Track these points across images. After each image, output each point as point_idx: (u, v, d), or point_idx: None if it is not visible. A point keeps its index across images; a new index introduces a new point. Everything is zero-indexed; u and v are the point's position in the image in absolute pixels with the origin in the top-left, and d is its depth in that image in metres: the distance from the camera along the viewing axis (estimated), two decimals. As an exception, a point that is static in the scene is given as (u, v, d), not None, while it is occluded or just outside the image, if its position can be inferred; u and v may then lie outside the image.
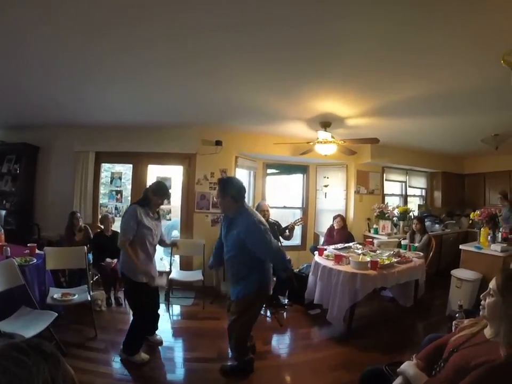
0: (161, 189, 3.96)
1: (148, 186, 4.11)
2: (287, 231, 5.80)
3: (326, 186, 8.11)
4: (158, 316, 4.39)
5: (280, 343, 4.65)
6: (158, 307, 4.39)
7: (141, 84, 4.41)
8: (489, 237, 5.55)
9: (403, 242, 6.45)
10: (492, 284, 1.86)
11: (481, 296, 1.95)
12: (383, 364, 2.53)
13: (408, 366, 2.08)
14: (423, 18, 2.58)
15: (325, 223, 7.65)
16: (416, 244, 6.26)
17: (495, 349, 1.73)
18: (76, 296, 4.43)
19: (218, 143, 6.64)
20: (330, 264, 4.95)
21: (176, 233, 7.63)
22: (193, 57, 3.51)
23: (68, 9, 2.68)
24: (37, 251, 4.93)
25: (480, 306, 1.94)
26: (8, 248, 4.64)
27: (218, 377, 3.74)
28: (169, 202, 4.02)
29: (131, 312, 4.15)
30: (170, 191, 6.56)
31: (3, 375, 0.75)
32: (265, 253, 3.42)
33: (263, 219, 3.60)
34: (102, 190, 7.40)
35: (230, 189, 3.47)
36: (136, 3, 2.58)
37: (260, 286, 3.54)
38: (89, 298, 4.47)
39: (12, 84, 4.60)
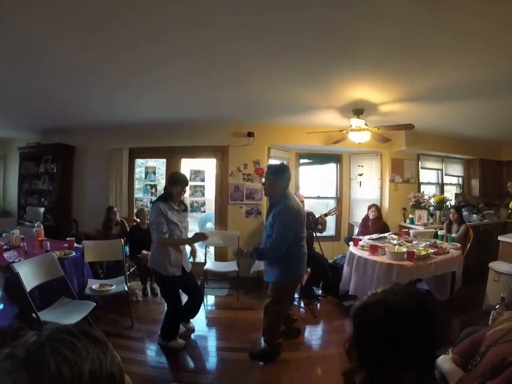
0: (176, 177, 4.05)
1: (166, 183, 4.19)
2: (319, 225, 5.75)
3: (360, 175, 7.94)
4: (197, 304, 4.42)
5: (313, 335, 4.62)
6: (197, 295, 4.42)
7: (174, 90, 4.61)
8: (530, 227, 5.31)
9: (440, 232, 6.20)
10: None
11: None
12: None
13: (444, 361, 2.04)
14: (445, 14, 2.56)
15: (359, 213, 7.53)
16: (453, 235, 6.06)
17: None
18: (113, 287, 4.56)
19: (250, 134, 6.63)
20: (365, 254, 4.88)
21: (210, 225, 7.70)
22: (224, 64, 3.66)
23: (99, 21, 2.80)
24: (75, 245, 5.09)
25: None
26: (48, 243, 4.81)
27: (250, 366, 3.80)
28: (185, 189, 4.03)
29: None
30: (202, 182, 6.66)
31: (53, 356, 0.75)
32: (275, 239, 3.54)
33: (301, 206, 3.72)
34: (137, 185, 7.54)
35: (277, 174, 3.68)
36: (169, 14, 2.66)
37: (292, 275, 3.71)
38: (126, 289, 4.59)
39: (49, 94, 4.87)
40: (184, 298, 4.28)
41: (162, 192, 4.09)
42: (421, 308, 1.29)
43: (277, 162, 7.25)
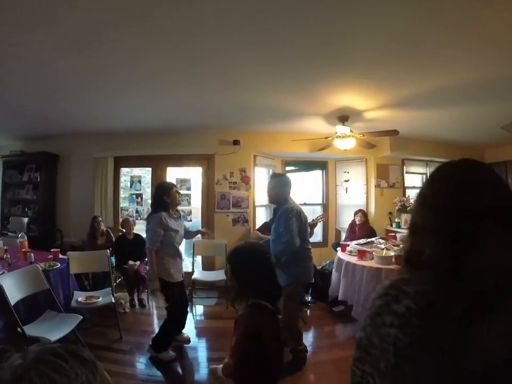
0: (167, 184, 4.23)
1: (155, 195, 4.16)
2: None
3: (346, 181, 8.00)
4: (186, 313, 4.42)
5: (305, 342, 4.55)
6: (187, 304, 4.46)
7: (152, 88, 4.46)
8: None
9: (426, 235, 6.24)
10: None
11: None
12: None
13: None
14: (437, 11, 2.56)
15: (346, 218, 7.56)
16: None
17: None
18: (100, 299, 4.48)
19: (236, 142, 6.63)
20: (353, 260, 4.90)
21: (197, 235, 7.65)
22: (213, 73, 3.70)
23: (72, 18, 2.71)
24: (60, 256, 5.00)
25: None
26: (32, 254, 4.70)
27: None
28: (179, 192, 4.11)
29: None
30: (188, 191, 6.68)
31: (40, 380, 0.70)
32: (284, 236, 3.61)
33: (302, 209, 3.90)
34: (122, 194, 7.46)
35: (280, 182, 3.93)
36: (145, 7, 2.60)
37: (298, 276, 3.77)
38: (113, 301, 4.52)
39: (32, 100, 4.81)
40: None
41: (154, 203, 4.13)
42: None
43: (263, 169, 7.31)
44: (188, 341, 4.43)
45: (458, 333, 0.83)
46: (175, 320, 4.06)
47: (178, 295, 4.06)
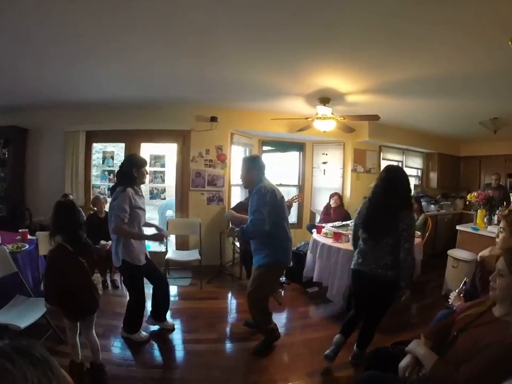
0: (140, 159, 3.95)
1: (123, 168, 3.86)
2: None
3: (324, 163, 8.03)
4: (165, 291, 4.23)
5: (279, 323, 4.53)
6: (162, 281, 4.24)
7: (133, 62, 4.31)
8: (485, 218, 5.58)
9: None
10: (501, 265, 1.81)
11: (490, 277, 1.89)
12: (383, 344, 2.48)
13: (417, 345, 2.03)
14: (418, 9, 2.65)
15: (321, 201, 7.60)
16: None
17: (504, 328, 1.72)
18: (71, 281, 4.32)
19: (213, 119, 6.48)
20: (329, 242, 4.92)
21: (170, 213, 7.54)
22: (187, 34, 3.45)
23: None
24: (29, 237, 4.81)
25: (490, 288, 1.89)
26: (-1, 236, 4.50)
27: (218, 358, 3.73)
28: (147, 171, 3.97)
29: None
30: (163, 168, 6.55)
31: None
32: (254, 216, 3.51)
33: (277, 188, 3.74)
34: (94, 171, 7.22)
35: (252, 164, 3.75)
36: None
37: (277, 257, 3.65)
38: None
39: (3, 66, 4.48)
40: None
41: (121, 175, 3.83)
42: None
43: (240, 148, 7.26)
44: (173, 328, 4.30)
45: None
46: (140, 302, 3.95)
47: (139, 278, 3.92)
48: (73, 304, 2.98)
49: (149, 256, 4.09)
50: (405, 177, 3.21)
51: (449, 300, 2.77)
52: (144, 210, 3.90)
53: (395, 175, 3.18)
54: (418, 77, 4.23)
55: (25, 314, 3.45)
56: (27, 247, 4.42)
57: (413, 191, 7.94)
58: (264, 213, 3.44)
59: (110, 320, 4.36)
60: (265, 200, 3.48)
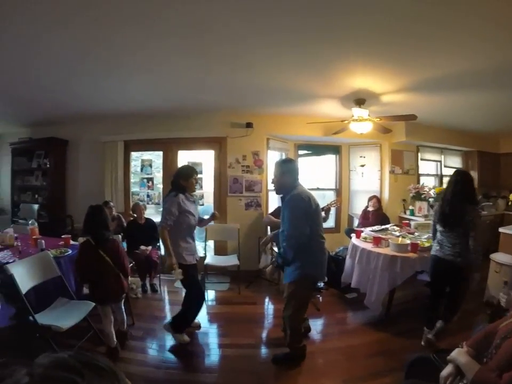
0: (187, 170, 4.11)
1: (173, 179, 4.08)
2: (322, 212, 5.65)
3: (362, 166, 7.87)
4: (202, 299, 4.31)
5: (317, 328, 4.51)
6: (202, 291, 4.36)
7: (163, 71, 4.41)
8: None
9: (440, 224, 6.14)
10: None
11: None
12: (422, 352, 2.43)
13: (459, 354, 1.99)
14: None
15: (359, 204, 7.49)
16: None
17: None
18: (112, 285, 4.45)
19: (249, 125, 6.52)
20: (369, 246, 4.80)
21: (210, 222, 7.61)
22: (217, 43, 3.49)
23: (88, 7, 2.74)
24: (71, 242, 4.99)
25: None
26: (43, 241, 4.69)
27: (254, 363, 3.74)
28: (197, 179, 4.18)
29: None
30: (200, 175, 6.54)
31: None
32: (290, 227, 3.36)
33: (312, 195, 3.54)
34: (132, 178, 7.38)
35: (285, 169, 3.57)
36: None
37: (310, 271, 3.47)
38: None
39: (36, 82, 4.72)
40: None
41: (173, 184, 4.04)
42: None
43: (276, 153, 7.23)
44: (199, 326, 4.42)
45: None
46: (195, 301, 4.08)
47: (195, 277, 4.08)
48: (96, 289, 3.68)
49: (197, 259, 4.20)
50: (471, 179, 3.85)
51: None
52: (193, 215, 4.01)
53: (462, 178, 3.81)
54: (453, 72, 4.09)
55: (67, 316, 3.59)
56: (70, 252, 4.57)
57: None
58: (301, 223, 3.31)
59: (148, 324, 4.52)
60: (302, 210, 3.34)
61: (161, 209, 6.63)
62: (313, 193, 3.60)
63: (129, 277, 4.35)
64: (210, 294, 5.69)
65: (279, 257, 3.56)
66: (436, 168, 8.65)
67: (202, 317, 4.68)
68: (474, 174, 8.49)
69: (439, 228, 3.92)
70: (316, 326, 4.57)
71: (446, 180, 8.38)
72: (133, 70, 4.31)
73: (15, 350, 3.53)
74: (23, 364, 0.66)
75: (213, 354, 3.96)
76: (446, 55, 3.64)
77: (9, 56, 3.73)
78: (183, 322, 4.08)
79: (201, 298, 4.19)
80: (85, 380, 0.62)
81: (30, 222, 5.53)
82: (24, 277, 3.63)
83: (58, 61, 3.94)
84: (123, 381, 0.70)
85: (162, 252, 5.39)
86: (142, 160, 7.29)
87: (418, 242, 4.68)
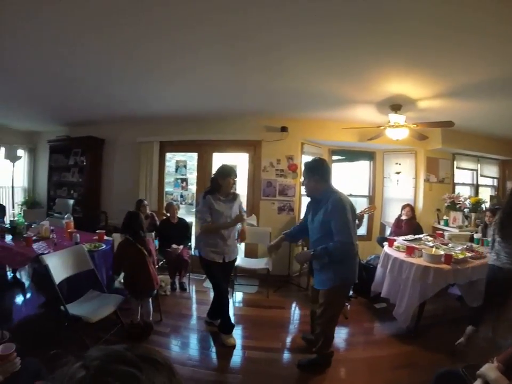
0: (226, 170, 4.17)
1: (213, 176, 4.28)
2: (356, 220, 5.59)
3: (398, 173, 7.71)
4: (221, 305, 4.29)
5: (342, 336, 4.47)
6: (224, 294, 4.28)
7: (198, 78, 4.52)
8: None
9: (476, 236, 5.90)
10: None
11: None
12: (449, 366, 2.38)
13: (489, 369, 1.95)
14: (497, 4, 2.48)
15: (392, 212, 7.36)
16: (489, 238, 5.82)
17: None
18: (142, 281, 4.56)
19: (284, 129, 6.54)
20: (401, 256, 4.70)
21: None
22: (251, 51, 3.57)
23: (126, 13, 2.81)
24: (105, 237, 5.11)
25: None
26: (78, 235, 4.83)
27: (278, 367, 3.76)
28: (235, 181, 4.28)
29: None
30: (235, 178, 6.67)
31: None
32: (341, 234, 3.20)
33: (351, 202, 3.46)
34: (166, 178, 7.51)
35: (316, 170, 3.47)
36: (197, 5, 2.66)
37: (346, 276, 3.44)
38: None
39: (77, 85, 4.89)
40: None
41: (211, 182, 4.22)
42: None
43: (310, 158, 7.11)
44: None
45: None
46: (220, 296, 4.18)
47: (213, 272, 4.15)
48: (132, 283, 4.09)
49: (228, 259, 4.25)
50: None
51: None
52: (222, 213, 4.08)
53: None
54: (489, 77, 3.96)
55: (97, 308, 3.71)
56: (103, 247, 4.75)
57: (488, 203, 7.52)
58: (351, 231, 3.22)
59: (176, 321, 4.62)
60: (350, 217, 3.26)
61: (193, 209, 6.80)
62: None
63: (159, 275, 4.52)
64: (238, 296, 5.72)
65: (324, 252, 3.29)
66: (471, 177, 8.37)
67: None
68: (511, 185, 8.23)
69: (497, 238, 3.84)
70: (343, 334, 4.54)
71: (482, 190, 8.22)
72: (171, 75, 4.42)
73: (42, 338, 3.66)
74: (75, 356, 0.66)
75: (238, 356, 3.99)
76: (482, 61, 3.55)
77: (51, 59, 3.87)
78: (228, 319, 4.19)
79: (223, 295, 4.20)
80: (144, 373, 0.63)
81: (65, 216, 5.71)
82: (58, 268, 3.76)
83: (100, 65, 4.08)
84: (178, 375, 0.70)
85: (193, 251, 5.48)
86: (177, 161, 7.42)
87: (452, 253, 4.55)
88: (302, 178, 3.71)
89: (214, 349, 4.04)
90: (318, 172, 3.46)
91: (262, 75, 4.27)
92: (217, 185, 4.09)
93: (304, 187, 3.68)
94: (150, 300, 4.29)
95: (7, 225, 5.43)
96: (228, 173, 4.09)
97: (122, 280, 4.38)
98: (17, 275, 5.78)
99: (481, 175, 8.39)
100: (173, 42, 3.37)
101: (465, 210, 7.12)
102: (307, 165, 3.62)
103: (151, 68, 4.17)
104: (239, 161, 7.07)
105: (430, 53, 3.43)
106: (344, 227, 3.21)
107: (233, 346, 4.06)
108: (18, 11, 2.81)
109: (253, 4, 2.67)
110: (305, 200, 6.87)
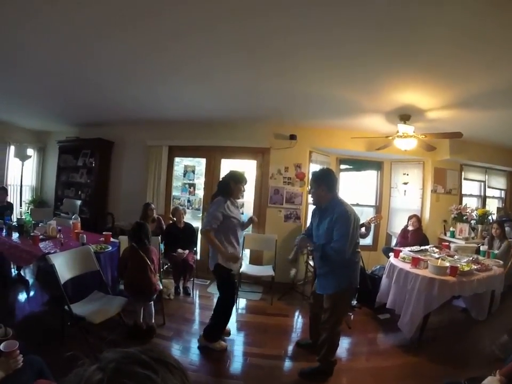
0: (241, 175, 4.15)
1: (223, 179, 4.16)
2: (362, 228, 5.56)
3: (405, 183, 7.69)
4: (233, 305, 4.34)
5: (345, 346, 4.47)
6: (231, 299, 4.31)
7: (215, 83, 4.56)
8: None
9: (482, 248, 5.90)
10: None
11: None
12: (454, 378, 2.38)
13: (492, 382, 2.00)
14: (507, 11, 2.46)
15: (398, 223, 7.32)
16: (496, 251, 5.79)
17: None
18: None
19: (292, 137, 6.56)
20: (407, 267, 4.70)
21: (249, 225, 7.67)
22: (268, 58, 3.60)
23: (145, 16, 2.85)
24: (112, 239, 5.14)
25: None
26: (84, 236, 4.86)
27: (280, 374, 3.75)
28: (245, 188, 4.24)
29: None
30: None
31: None
32: (338, 242, 3.33)
33: (355, 212, 3.53)
34: (174, 183, 7.54)
35: (324, 180, 3.54)
36: (218, 6, 2.64)
37: (350, 281, 3.53)
38: (160, 287, 4.52)
39: (90, 86, 4.98)
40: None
41: (222, 188, 4.08)
42: None
43: (317, 166, 7.14)
44: (228, 333, 4.45)
45: None
46: (228, 309, 4.09)
47: (231, 282, 4.13)
48: (131, 287, 4.16)
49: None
50: None
51: None
52: (238, 220, 4.05)
53: None
54: (503, 87, 3.92)
55: (101, 310, 3.73)
56: (110, 248, 4.77)
57: (495, 215, 7.48)
58: (348, 242, 3.32)
59: (179, 325, 4.63)
60: (351, 227, 3.35)
61: (199, 215, 6.80)
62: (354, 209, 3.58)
63: (163, 278, 4.55)
64: (241, 303, 5.72)
65: (319, 248, 3.51)
66: (479, 189, 8.33)
67: (231, 323, 4.67)
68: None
69: None
70: (346, 344, 4.53)
71: (489, 201, 8.17)
72: (187, 79, 4.46)
73: (45, 336, 3.71)
74: (90, 358, 0.67)
75: (239, 362, 4.00)
76: (495, 70, 3.53)
77: (67, 57, 3.87)
78: (218, 329, 4.11)
79: (232, 306, 4.20)
80: (159, 376, 0.63)
81: (73, 217, 5.75)
82: (64, 267, 3.80)
83: (116, 65, 4.10)
84: (189, 377, 0.71)
85: (199, 256, 5.48)
86: (185, 166, 7.46)
87: (458, 265, 4.53)
88: (309, 187, 3.74)
89: (217, 355, 4.01)
90: (326, 181, 3.53)
91: (275, 81, 4.30)
92: (230, 190, 4.02)
93: (311, 196, 3.75)
94: (152, 303, 4.31)
95: (15, 223, 5.48)
96: (241, 178, 4.09)
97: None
98: (22, 272, 5.80)
99: (489, 187, 8.34)
100: (193, 46, 3.39)
101: (472, 222, 7.11)
102: (315, 174, 3.71)
103: (170, 70, 4.20)
104: (247, 167, 7.06)
105: (446, 62, 3.42)
106: (342, 237, 3.32)
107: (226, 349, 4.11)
108: (38, 10, 2.84)
109: (269, 11, 2.69)
110: (312, 209, 6.98)
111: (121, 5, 2.72)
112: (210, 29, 3.03)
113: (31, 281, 5.64)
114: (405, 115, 5.12)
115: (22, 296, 5.19)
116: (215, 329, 4.08)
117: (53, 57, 3.87)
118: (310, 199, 3.86)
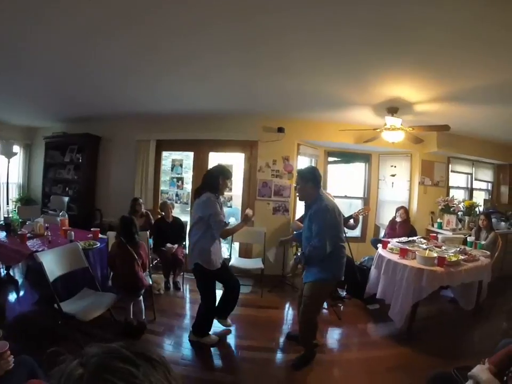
0: (229, 171, 4.08)
1: (212, 173, 4.00)
2: (351, 220, 5.61)
3: (393, 175, 7.74)
4: (236, 293, 4.31)
5: (337, 338, 4.53)
6: (234, 283, 4.28)
7: (213, 81, 4.65)
8: None
9: (469, 239, 5.93)
10: None
11: None
12: (444, 368, 2.40)
13: (481, 370, 2.00)
14: (498, 12, 2.51)
15: (386, 215, 7.37)
16: (483, 242, 5.86)
17: None
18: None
19: (280, 130, 6.56)
20: (395, 258, 4.75)
21: (233, 221, 7.62)
22: (264, 56, 3.69)
23: (141, 14, 2.86)
24: (100, 235, 5.10)
25: None
26: (72, 233, 4.81)
27: (272, 367, 3.77)
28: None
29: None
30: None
31: None
32: (315, 238, 3.45)
33: (336, 205, 3.67)
34: (162, 177, 7.51)
35: (310, 177, 3.63)
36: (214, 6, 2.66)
37: (333, 272, 3.62)
38: (150, 282, 4.52)
39: (81, 83, 4.97)
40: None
41: (209, 183, 3.94)
42: None
43: (306, 159, 7.23)
44: (230, 326, 4.48)
45: None
46: (208, 304, 4.06)
47: (213, 282, 4.09)
48: (118, 281, 4.19)
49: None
50: None
51: None
52: (224, 215, 4.00)
53: None
54: (492, 84, 4.00)
55: (91, 307, 3.70)
56: (98, 245, 4.73)
57: (482, 207, 7.56)
58: (326, 237, 3.40)
59: (170, 320, 4.63)
60: (328, 222, 3.45)
61: (188, 209, 6.77)
62: (341, 201, 3.73)
63: (153, 273, 4.53)
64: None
65: (303, 257, 3.62)
66: (466, 181, 8.40)
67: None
68: (505, 189, 8.27)
69: None
70: (336, 335, 4.60)
71: (475, 194, 8.25)
72: (183, 76, 4.49)
73: (36, 336, 3.63)
74: (72, 354, 0.67)
75: (231, 355, 4.03)
76: (483, 66, 3.58)
77: (62, 53, 3.84)
78: (205, 325, 4.10)
79: (214, 303, 4.17)
80: (140, 370, 0.63)
81: (60, 214, 5.70)
82: (52, 265, 3.75)
83: (113, 62, 4.09)
84: (173, 372, 0.71)
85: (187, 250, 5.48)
86: (173, 160, 7.42)
87: (446, 256, 4.57)
88: (295, 184, 3.81)
89: (209, 349, 4.02)
90: (313, 178, 3.64)
91: (271, 78, 4.35)
92: (215, 185, 3.90)
93: (297, 192, 3.85)
94: (141, 299, 4.27)
95: (2, 222, 5.43)
96: (229, 174, 4.03)
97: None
98: (11, 272, 5.74)
99: (476, 179, 8.42)
100: (190, 44, 3.39)
101: (459, 213, 7.17)
102: (301, 172, 3.81)
103: (165, 69, 4.22)
104: (235, 161, 7.07)
105: (436, 60, 3.48)
106: (319, 233, 3.44)
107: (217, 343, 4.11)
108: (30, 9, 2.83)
109: (263, 11, 2.72)
110: (300, 202, 7.01)
111: (119, 8, 2.74)
112: (205, 28, 3.05)
113: (20, 280, 5.59)
114: (392, 108, 5.14)
115: (12, 296, 5.13)
116: (202, 325, 4.08)
117: (43, 52, 3.83)
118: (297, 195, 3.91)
